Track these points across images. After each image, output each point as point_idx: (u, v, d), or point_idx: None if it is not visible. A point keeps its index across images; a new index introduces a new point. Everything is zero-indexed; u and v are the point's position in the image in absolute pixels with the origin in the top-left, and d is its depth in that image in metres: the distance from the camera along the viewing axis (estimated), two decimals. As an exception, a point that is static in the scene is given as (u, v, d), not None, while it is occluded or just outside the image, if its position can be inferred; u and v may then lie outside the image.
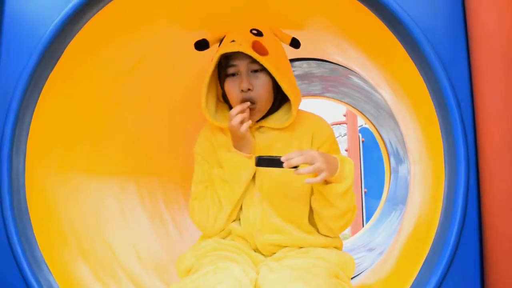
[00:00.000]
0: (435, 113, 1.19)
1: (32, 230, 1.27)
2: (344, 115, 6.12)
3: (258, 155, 1.27)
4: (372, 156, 5.76)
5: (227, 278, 1.11)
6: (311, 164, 1.19)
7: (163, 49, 1.72)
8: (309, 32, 1.68)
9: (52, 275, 1.27)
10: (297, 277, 1.12)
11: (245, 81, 1.33)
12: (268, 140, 1.39)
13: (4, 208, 1.24)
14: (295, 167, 1.20)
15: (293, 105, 1.36)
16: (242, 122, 1.28)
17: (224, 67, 1.37)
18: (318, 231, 1.39)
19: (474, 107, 1.14)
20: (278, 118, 1.40)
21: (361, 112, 3.96)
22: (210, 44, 1.45)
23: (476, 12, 1.13)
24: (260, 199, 1.37)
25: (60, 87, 1.37)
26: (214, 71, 1.38)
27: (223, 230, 1.40)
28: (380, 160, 4.22)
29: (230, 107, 1.39)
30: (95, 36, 1.37)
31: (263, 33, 1.38)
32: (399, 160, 3.64)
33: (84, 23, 1.30)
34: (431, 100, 1.19)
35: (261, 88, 1.35)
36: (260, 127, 1.41)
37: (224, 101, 1.45)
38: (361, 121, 5.78)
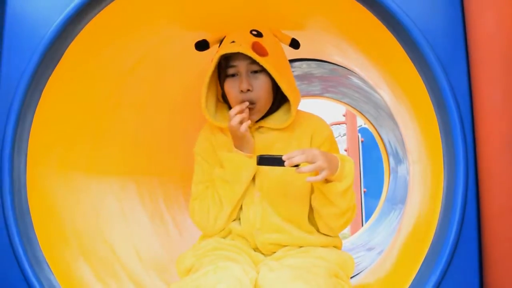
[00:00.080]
0: (434, 114, 1.19)
1: (34, 230, 1.28)
2: (344, 115, 6.11)
3: (258, 154, 1.28)
4: (371, 156, 5.75)
5: (227, 277, 1.11)
6: (312, 162, 1.20)
7: (163, 49, 1.72)
8: (308, 33, 1.68)
9: (53, 275, 1.27)
10: (297, 277, 1.13)
11: (245, 81, 1.34)
12: (267, 140, 1.40)
13: (6, 208, 1.24)
14: (296, 165, 1.20)
15: (293, 105, 1.36)
16: (241, 122, 1.29)
17: (224, 68, 1.38)
18: (318, 231, 1.40)
19: (473, 107, 1.14)
20: (278, 118, 1.41)
21: (360, 112, 3.95)
22: (210, 44, 1.46)
23: (475, 13, 1.13)
24: (260, 199, 1.37)
25: (61, 87, 1.37)
26: (214, 71, 1.38)
27: (223, 229, 1.41)
28: (379, 160, 4.21)
29: (230, 108, 1.39)
30: (96, 37, 1.37)
31: (263, 34, 1.39)
32: (398, 160, 3.64)
33: (85, 24, 1.31)
34: (430, 100, 1.20)
35: (260, 89, 1.35)
36: (260, 127, 1.42)
37: (224, 101, 1.45)
38: (360, 121, 5.77)
